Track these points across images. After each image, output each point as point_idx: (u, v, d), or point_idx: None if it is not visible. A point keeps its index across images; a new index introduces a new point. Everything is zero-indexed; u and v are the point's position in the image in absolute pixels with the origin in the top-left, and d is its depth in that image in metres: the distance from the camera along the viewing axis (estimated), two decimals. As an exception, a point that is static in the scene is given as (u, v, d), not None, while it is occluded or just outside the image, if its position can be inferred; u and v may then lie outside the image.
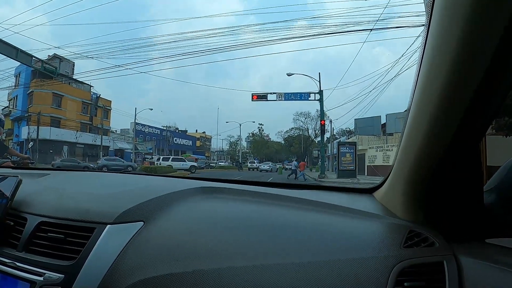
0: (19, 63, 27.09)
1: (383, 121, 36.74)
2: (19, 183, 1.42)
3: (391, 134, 35.34)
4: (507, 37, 0.72)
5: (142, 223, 1.27)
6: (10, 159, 6.04)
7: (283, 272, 0.99)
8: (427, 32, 0.87)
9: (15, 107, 46.84)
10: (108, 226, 1.24)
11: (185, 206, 1.41)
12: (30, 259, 1.23)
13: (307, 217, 1.33)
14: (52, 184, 1.77)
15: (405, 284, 0.93)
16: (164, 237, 1.21)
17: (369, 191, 1.64)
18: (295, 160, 40.94)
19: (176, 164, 41.08)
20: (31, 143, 29.40)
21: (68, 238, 1.24)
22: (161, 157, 48.42)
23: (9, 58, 21.82)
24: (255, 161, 65.89)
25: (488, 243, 1.09)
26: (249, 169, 58.00)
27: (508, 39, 0.72)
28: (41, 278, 1.17)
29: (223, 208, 1.46)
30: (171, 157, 49.36)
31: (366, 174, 34.73)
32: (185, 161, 45.05)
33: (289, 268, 1.00)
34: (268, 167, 53.78)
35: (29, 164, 6.41)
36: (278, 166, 55.74)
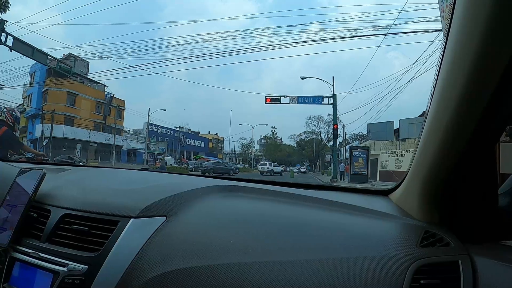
0: (34, 62, 27.44)
1: (396, 126, 36.44)
2: (43, 176, 1.45)
3: (404, 140, 35.09)
4: None
5: (164, 218, 1.29)
6: (25, 156, 6.12)
7: (302, 268, 1.02)
8: (447, 36, 0.87)
9: (30, 104, 47.64)
10: (132, 219, 1.26)
11: (205, 203, 1.43)
12: (54, 250, 1.27)
13: (325, 215, 1.36)
14: (74, 179, 1.81)
15: (421, 281, 0.95)
16: (186, 232, 1.23)
17: (384, 193, 1.64)
18: (341, 163, 41.33)
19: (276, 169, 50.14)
20: (46, 140, 29.84)
21: (92, 231, 1.27)
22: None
23: (24, 57, 22.08)
24: (267, 162, 60.64)
25: (502, 244, 1.09)
26: (261, 173, 49.99)
27: None
28: (65, 269, 1.20)
29: (242, 206, 1.48)
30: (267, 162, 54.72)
31: (378, 179, 34.53)
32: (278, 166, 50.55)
33: (307, 264, 1.03)
34: (278, 169, 52.89)
35: (43, 161, 6.47)
36: (291, 169, 55.32)
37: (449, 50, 0.88)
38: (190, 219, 1.31)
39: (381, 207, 1.42)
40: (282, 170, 52.04)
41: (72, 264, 1.20)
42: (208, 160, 51.83)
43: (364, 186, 12.58)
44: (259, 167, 55.73)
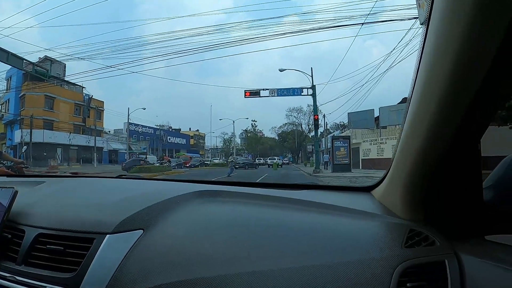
0: (9, 67, 26.89)
1: (376, 114, 36.78)
2: (15, 194, 1.39)
3: (384, 127, 35.39)
4: (509, 35, 0.71)
5: (141, 231, 1.26)
6: (4, 164, 6.00)
7: (284, 276, 1.00)
8: (427, 25, 0.87)
9: (7, 110, 46.53)
10: (108, 236, 1.22)
11: (183, 211, 1.41)
12: (30, 272, 1.22)
13: (306, 218, 1.34)
14: (48, 194, 1.75)
15: (408, 285, 0.94)
16: (165, 245, 1.20)
17: (367, 189, 1.65)
18: (325, 154, 41.78)
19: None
20: (24, 147, 29.14)
21: (68, 250, 1.22)
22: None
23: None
24: (249, 156, 63.98)
25: (488, 240, 1.10)
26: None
27: (509, 37, 0.71)
28: None
29: (221, 212, 1.46)
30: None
31: (360, 167, 34.80)
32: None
33: (290, 272, 1.01)
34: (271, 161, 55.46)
35: (24, 169, 6.39)
36: (273, 162, 55.44)
37: (430, 40, 0.87)
38: (168, 230, 1.28)
39: (364, 205, 1.43)
40: (246, 163, 51.79)
41: (49, 287, 1.16)
42: (191, 158, 51.62)
43: (346, 183, 12.59)
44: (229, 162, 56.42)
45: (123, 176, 2.43)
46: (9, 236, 1.33)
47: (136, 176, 2.26)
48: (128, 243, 1.20)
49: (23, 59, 23.52)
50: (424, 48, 0.90)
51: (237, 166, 43.34)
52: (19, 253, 1.27)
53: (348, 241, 1.13)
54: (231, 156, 48.95)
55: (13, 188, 1.40)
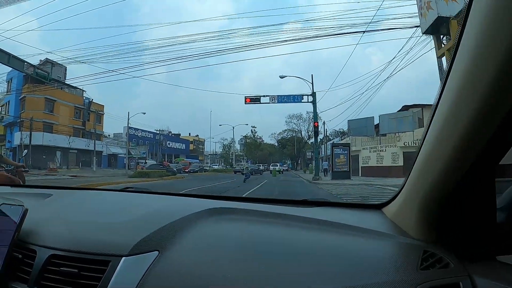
0: (10, 69, 26.96)
1: (376, 121, 36.83)
2: (25, 212, 1.34)
3: (384, 135, 35.47)
4: None
5: (157, 252, 1.22)
6: (4, 168, 5.99)
7: None
8: (463, 27, 0.82)
9: (7, 112, 46.78)
10: (123, 258, 1.19)
11: (198, 230, 1.39)
12: None
13: (317, 239, 1.32)
14: (58, 209, 1.71)
15: None
16: (181, 266, 1.18)
17: (378, 207, 1.63)
18: (324, 160, 42.11)
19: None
20: (25, 151, 29.22)
21: (82, 272, 1.19)
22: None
23: (0, 64, 21.71)
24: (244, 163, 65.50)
25: (501, 262, 1.08)
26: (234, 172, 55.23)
27: None
28: None
29: (236, 231, 1.44)
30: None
31: (360, 175, 34.84)
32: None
33: None
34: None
35: (24, 172, 6.38)
36: (272, 168, 55.62)
37: (463, 55, 0.82)
38: (184, 251, 1.25)
39: (375, 224, 1.40)
40: (253, 169, 52.34)
41: None
42: (190, 164, 51.62)
43: (357, 200, 12.65)
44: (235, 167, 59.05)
45: (130, 189, 2.40)
46: (20, 256, 1.29)
47: (144, 189, 2.20)
48: (144, 265, 1.17)
49: (24, 61, 23.62)
50: (453, 66, 0.86)
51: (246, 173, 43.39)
52: (31, 275, 1.23)
53: (361, 264, 1.11)
54: (246, 163, 51.72)
55: (23, 206, 1.36)
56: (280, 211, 1.60)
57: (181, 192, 2.60)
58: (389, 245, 1.23)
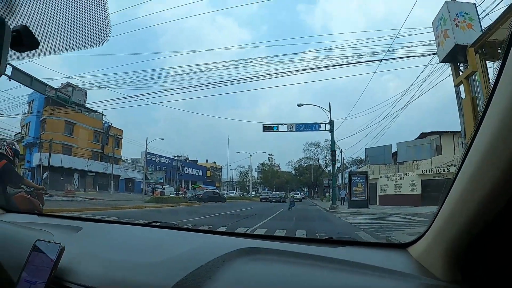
0: (32, 90, 27.63)
1: (393, 149, 36.66)
2: (61, 251, 1.38)
3: (402, 163, 35.30)
4: None
5: None
6: (25, 189, 6.07)
7: None
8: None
9: (28, 133, 47.75)
10: None
11: (230, 272, 1.39)
12: None
13: (342, 280, 1.32)
14: (90, 246, 1.76)
15: None
16: None
17: (403, 246, 1.60)
18: (341, 189, 42.18)
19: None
20: (45, 173, 29.83)
21: None
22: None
23: (23, 85, 22.25)
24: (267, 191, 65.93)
25: None
26: (260, 199, 55.59)
27: None
28: None
29: (264, 273, 1.45)
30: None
31: (378, 203, 34.46)
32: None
33: None
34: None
35: (43, 194, 6.48)
36: (293, 196, 55.62)
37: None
38: None
39: (400, 264, 1.38)
40: (281, 197, 52.63)
41: None
42: (206, 190, 51.76)
43: (373, 230, 12.54)
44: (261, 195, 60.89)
45: (156, 224, 2.47)
46: None
47: (170, 225, 2.25)
48: None
49: (46, 84, 24.23)
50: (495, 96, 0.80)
51: (274, 200, 48.37)
52: None
53: None
54: (292, 192, 51.35)
55: (60, 244, 1.40)
56: (307, 250, 1.60)
57: (207, 229, 2.65)
58: (413, 287, 1.19)
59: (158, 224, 2.43)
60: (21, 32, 1.08)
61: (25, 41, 1.09)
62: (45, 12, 1.19)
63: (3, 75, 1.07)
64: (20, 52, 1.14)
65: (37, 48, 1.14)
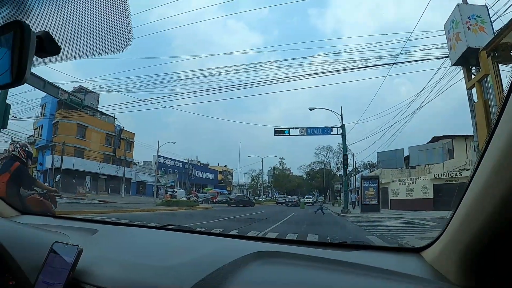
0: (44, 94, 27.87)
1: (405, 153, 36.37)
2: (79, 253, 1.40)
3: (414, 167, 35.01)
4: None
5: None
6: (37, 192, 6.13)
7: None
8: None
9: (40, 136, 48.40)
10: None
11: (246, 275, 1.40)
12: None
13: (356, 284, 1.33)
14: (108, 248, 1.79)
15: None
16: None
17: (416, 250, 1.60)
18: (353, 193, 42.28)
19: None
20: (58, 176, 30.07)
21: None
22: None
23: (36, 89, 22.43)
24: (284, 196, 68.08)
25: None
26: (277, 203, 57.82)
27: None
28: None
29: (279, 276, 1.47)
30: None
31: (389, 208, 34.22)
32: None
33: None
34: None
35: (56, 197, 6.55)
36: (302, 200, 55.40)
37: None
38: None
39: (414, 268, 1.39)
40: (296, 201, 53.11)
41: None
42: (218, 194, 51.74)
43: (385, 234, 12.46)
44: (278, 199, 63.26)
45: (170, 227, 2.46)
46: None
47: (184, 228, 2.25)
48: None
49: (59, 87, 24.46)
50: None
51: (290, 204, 50.13)
52: None
53: None
54: (321, 197, 53.41)
55: (77, 246, 1.42)
56: (321, 254, 1.61)
57: (223, 233, 2.66)
58: None
59: (172, 227, 2.44)
60: (42, 38, 1.10)
61: (47, 47, 1.11)
62: (65, 18, 1.21)
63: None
64: (41, 58, 1.16)
65: (58, 53, 1.15)
